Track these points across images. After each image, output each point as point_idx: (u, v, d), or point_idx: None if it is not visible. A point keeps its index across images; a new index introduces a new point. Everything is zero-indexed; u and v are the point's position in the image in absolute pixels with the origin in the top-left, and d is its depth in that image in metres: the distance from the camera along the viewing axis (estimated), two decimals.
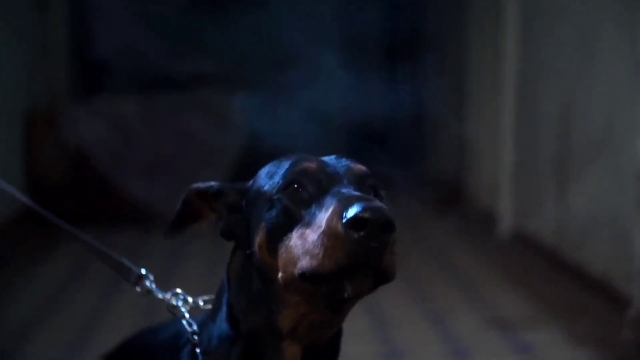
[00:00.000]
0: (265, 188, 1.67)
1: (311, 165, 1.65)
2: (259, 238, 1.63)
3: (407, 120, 10.03)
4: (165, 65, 8.58)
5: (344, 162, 1.68)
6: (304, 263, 1.53)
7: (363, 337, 4.34)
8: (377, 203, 1.51)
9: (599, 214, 4.96)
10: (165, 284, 2.09)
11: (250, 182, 1.75)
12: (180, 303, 1.95)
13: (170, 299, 1.97)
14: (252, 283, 1.69)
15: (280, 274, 1.59)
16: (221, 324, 1.73)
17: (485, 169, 7.19)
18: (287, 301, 1.62)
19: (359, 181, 1.65)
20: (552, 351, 4.21)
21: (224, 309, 1.74)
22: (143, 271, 2.03)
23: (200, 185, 1.80)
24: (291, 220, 1.59)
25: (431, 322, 4.65)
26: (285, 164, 1.67)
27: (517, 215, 6.41)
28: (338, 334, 1.73)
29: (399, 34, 10.09)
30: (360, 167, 1.69)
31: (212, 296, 1.85)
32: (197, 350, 1.77)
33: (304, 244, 1.54)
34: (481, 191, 7.25)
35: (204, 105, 7.39)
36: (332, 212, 1.51)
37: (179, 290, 1.99)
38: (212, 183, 1.80)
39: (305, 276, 1.53)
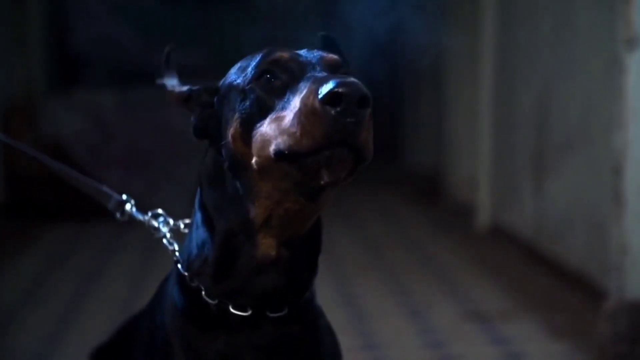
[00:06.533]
0: (238, 81, 1.66)
1: (283, 55, 1.64)
2: (232, 129, 1.62)
3: (386, 114, 10.05)
4: (143, 58, 8.55)
5: (316, 53, 1.68)
6: (280, 141, 1.51)
7: (340, 330, 4.28)
8: (352, 79, 1.49)
9: (576, 207, 4.98)
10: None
11: (222, 80, 1.75)
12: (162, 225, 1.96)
13: (150, 220, 1.98)
14: (223, 178, 1.67)
15: (254, 159, 1.57)
16: (197, 231, 1.72)
17: (463, 163, 7.20)
18: (260, 190, 1.60)
19: (332, 69, 1.64)
20: (529, 343, 4.23)
21: (197, 213, 1.72)
22: (124, 197, 2.05)
23: (174, 90, 1.85)
24: (265, 108, 1.58)
25: (409, 314, 4.66)
26: (257, 57, 1.66)
27: (495, 209, 6.43)
28: (318, 227, 1.71)
29: (375, 31, 10.08)
30: (332, 57, 1.68)
31: None
32: (179, 266, 1.75)
33: (279, 125, 1.53)
34: (459, 185, 7.26)
35: None
36: (307, 91, 1.50)
37: (160, 211, 1.99)
38: (183, 88, 1.83)
39: (281, 155, 1.51)
